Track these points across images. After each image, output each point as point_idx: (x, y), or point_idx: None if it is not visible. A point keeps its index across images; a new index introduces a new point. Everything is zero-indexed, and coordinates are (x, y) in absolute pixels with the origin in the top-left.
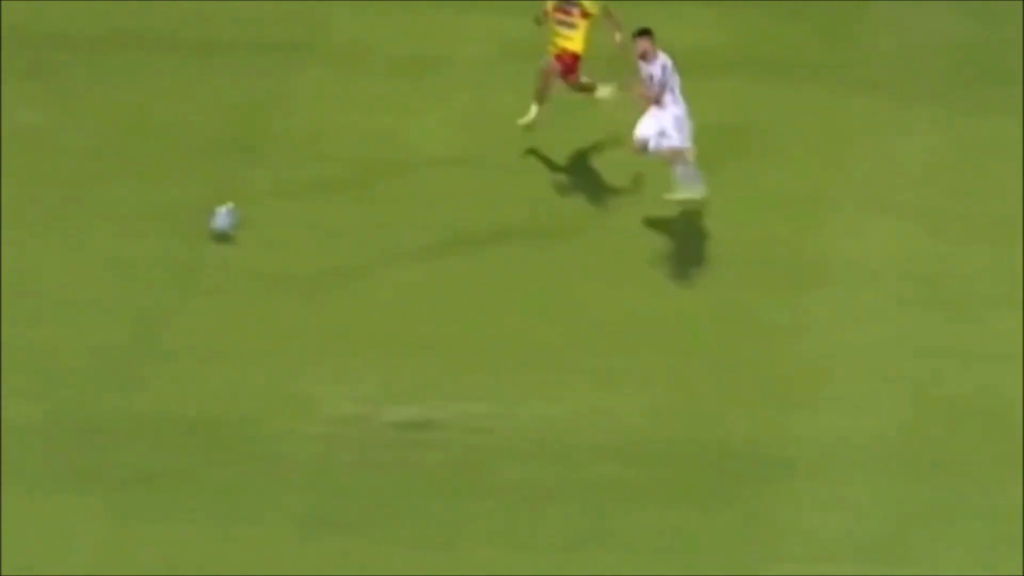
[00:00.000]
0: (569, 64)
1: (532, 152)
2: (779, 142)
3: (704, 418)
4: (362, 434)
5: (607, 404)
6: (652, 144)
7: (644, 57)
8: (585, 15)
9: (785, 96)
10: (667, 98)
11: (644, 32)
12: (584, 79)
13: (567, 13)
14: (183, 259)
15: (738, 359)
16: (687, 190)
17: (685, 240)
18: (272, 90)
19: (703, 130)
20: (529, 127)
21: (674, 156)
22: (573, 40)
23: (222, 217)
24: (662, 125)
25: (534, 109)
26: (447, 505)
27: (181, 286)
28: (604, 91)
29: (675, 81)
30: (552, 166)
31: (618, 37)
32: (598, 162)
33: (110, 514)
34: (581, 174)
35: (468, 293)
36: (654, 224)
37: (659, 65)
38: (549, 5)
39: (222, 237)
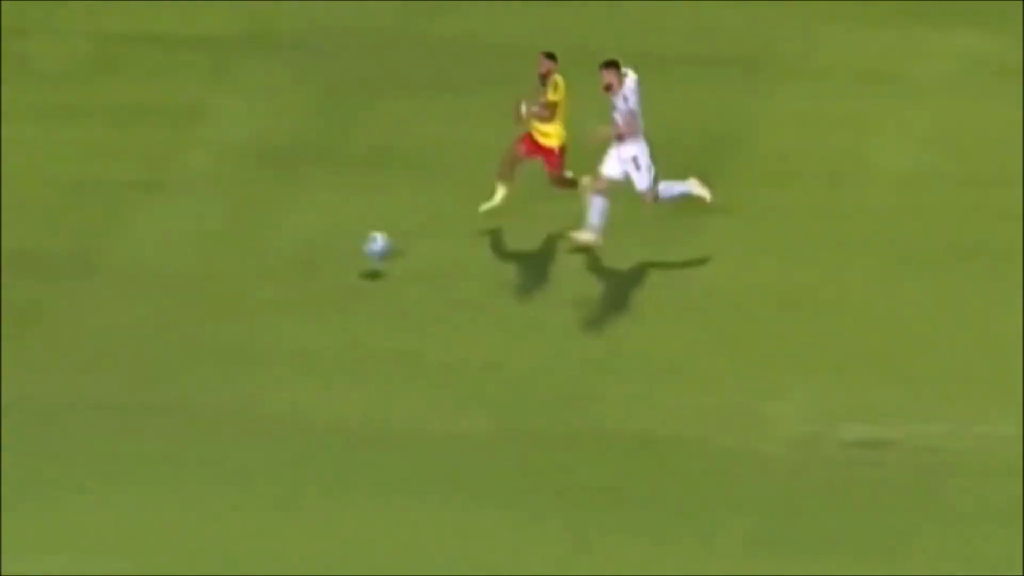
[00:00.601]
0: (551, 160)
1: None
2: None
3: None
4: (815, 453)
5: None
6: (663, 192)
7: (609, 90)
8: (554, 106)
9: None
10: (625, 128)
11: (609, 64)
12: (568, 174)
13: (541, 108)
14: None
15: None
16: (586, 233)
17: None
18: (738, 105)
19: None
20: (492, 211)
21: (594, 188)
22: (549, 136)
23: (377, 244)
24: (624, 167)
25: (500, 192)
26: (898, 525)
27: (632, 305)
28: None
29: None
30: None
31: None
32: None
33: (561, 526)
34: None
35: (920, 312)
36: None
37: (622, 96)
38: (523, 106)
39: (376, 263)
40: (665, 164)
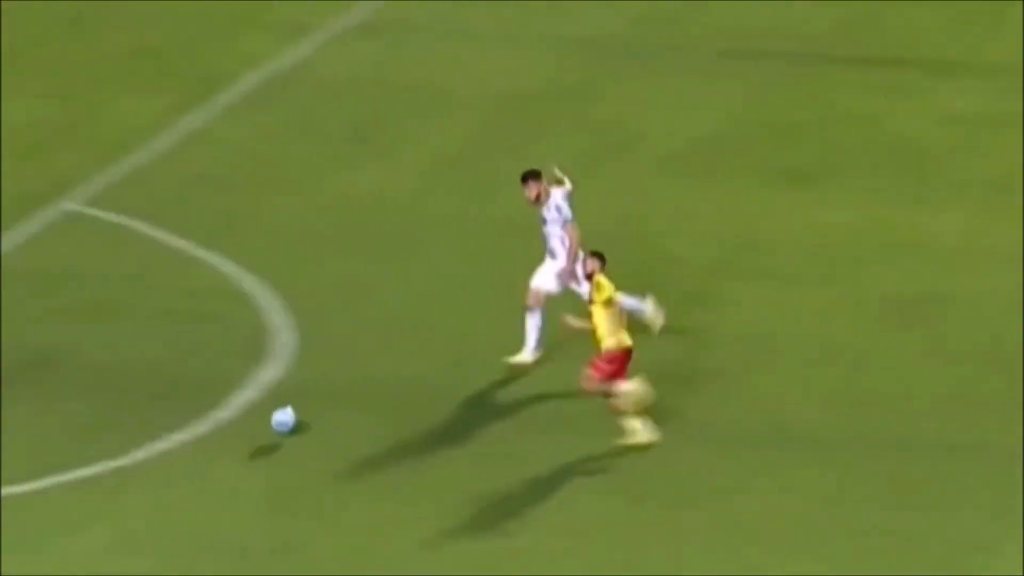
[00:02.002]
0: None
1: None
2: None
3: None
4: None
5: None
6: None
7: (538, 201)
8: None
9: None
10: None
11: (528, 175)
12: (618, 385)
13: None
14: None
15: None
16: (523, 355)
17: None
18: None
19: None
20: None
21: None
22: (603, 339)
23: (283, 417)
24: (567, 282)
25: (635, 426)
26: None
27: None
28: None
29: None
30: None
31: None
32: None
33: None
34: None
35: None
36: None
37: (553, 206)
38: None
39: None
40: None
